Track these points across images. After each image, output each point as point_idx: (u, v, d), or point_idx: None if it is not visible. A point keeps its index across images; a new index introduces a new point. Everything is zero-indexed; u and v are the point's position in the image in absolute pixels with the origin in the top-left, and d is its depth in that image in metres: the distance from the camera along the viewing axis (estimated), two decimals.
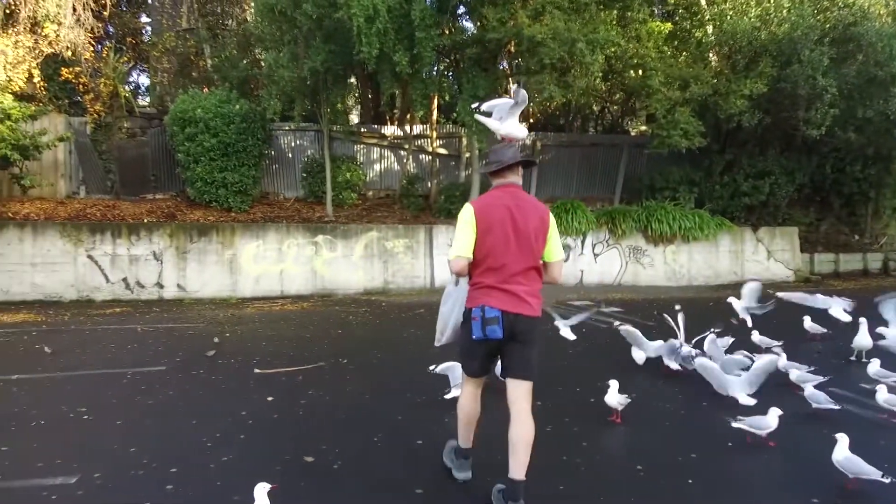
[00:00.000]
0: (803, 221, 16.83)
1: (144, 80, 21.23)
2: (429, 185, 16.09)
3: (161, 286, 11.85)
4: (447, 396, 4.95)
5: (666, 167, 16.24)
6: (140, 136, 15.29)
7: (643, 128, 20.17)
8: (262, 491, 2.98)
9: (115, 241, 11.67)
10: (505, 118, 3.82)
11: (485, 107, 4.00)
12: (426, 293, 12.88)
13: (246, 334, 8.37)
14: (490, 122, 3.93)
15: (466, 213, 3.49)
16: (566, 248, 14.06)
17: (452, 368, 5.03)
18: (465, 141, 16.37)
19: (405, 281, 13.17)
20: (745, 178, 15.73)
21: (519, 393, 3.44)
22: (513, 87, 4.02)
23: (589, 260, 14.26)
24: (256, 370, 6.23)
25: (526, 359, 3.45)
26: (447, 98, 16.61)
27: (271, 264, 12.38)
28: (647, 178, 16.25)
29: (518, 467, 3.34)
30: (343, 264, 12.80)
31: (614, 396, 4.73)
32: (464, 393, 3.73)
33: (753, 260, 15.37)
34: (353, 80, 16.13)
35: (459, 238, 3.48)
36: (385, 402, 5.27)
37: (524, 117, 19.69)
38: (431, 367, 5.26)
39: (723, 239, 15.07)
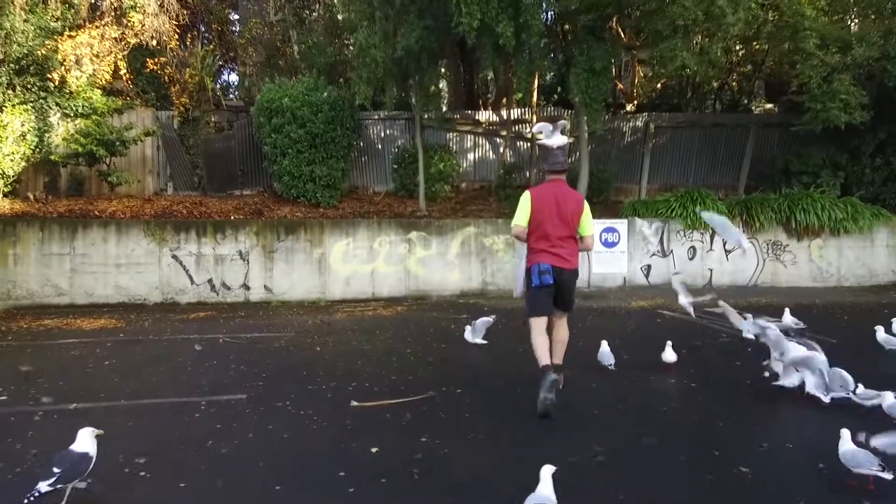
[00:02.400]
0: None
1: (234, 78, 20.93)
2: (527, 174, 14.64)
3: (247, 288, 11.04)
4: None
5: (804, 148, 14.04)
6: (227, 129, 14.66)
7: (768, 105, 17.87)
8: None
9: (199, 240, 10.95)
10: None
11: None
12: None
13: (338, 348, 7.25)
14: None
15: (526, 197, 5.03)
16: (692, 248, 12.31)
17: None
18: (568, 125, 14.79)
19: (506, 282, 11.81)
20: None
21: (561, 318, 5.16)
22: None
23: (719, 257, 12.38)
24: (353, 403, 5.04)
25: (567, 299, 5.09)
26: (549, 77, 15.09)
27: (362, 263, 11.33)
28: (782, 162, 14.09)
29: (558, 357, 5.10)
30: (438, 263, 11.59)
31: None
32: (534, 330, 4.96)
33: None
34: (444, 62, 14.85)
35: (519, 212, 5.00)
36: (528, 464, 3.90)
37: (628, 98, 17.86)
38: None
39: (878, 232, 12.77)
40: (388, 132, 14.67)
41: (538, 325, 4.96)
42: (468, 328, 6.96)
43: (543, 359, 4.82)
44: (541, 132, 5.41)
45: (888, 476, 3.28)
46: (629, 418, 4.72)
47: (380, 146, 14.61)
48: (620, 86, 18.75)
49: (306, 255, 11.18)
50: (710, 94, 17.60)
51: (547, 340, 4.94)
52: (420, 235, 11.54)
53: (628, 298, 11.08)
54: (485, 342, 6.91)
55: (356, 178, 14.36)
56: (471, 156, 14.98)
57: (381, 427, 4.52)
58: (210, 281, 10.95)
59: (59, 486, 3.19)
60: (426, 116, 14.28)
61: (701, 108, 17.22)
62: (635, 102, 17.75)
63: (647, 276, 12.25)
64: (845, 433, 3.52)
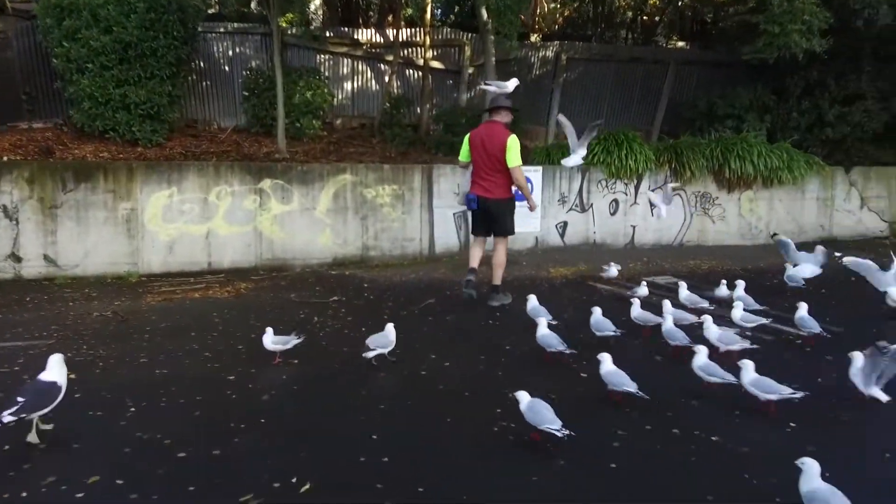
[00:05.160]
0: (881, 161, 13.20)
1: None
2: (418, 110, 11.93)
3: (17, 259, 7.62)
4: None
5: (729, 88, 12.38)
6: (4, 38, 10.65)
7: (680, 43, 16.17)
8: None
9: None
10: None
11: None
12: (424, 264, 8.92)
13: (110, 375, 4.35)
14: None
15: (466, 137, 6.54)
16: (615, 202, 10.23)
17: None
18: (468, 51, 12.16)
19: (393, 245, 9.19)
20: (832, 104, 11.97)
21: (497, 241, 6.49)
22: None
23: (644, 212, 10.42)
24: None
25: (498, 223, 6.41)
26: None
27: (192, 223, 8.21)
28: (706, 104, 12.35)
29: (496, 278, 6.45)
30: (302, 222, 8.72)
31: None
32: (472, 245, 6.69)
33: (844, 210, 11.75)
34: None
35: (461, 150, 6.58)
36: None
37: (530, 29, 15.47)
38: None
39: (810, 183, 11.36)
40: (238, 50, 11.30)
41: (476, 240, 6.62)
42: (269, 330, 4.57)
43: (472, 262, 6.44)
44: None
45: None
46: None
47: (227, 68, 11.24)
48: (521, 17, 16.32)
49: (108, 212, 7.89)
50: (621, 26, 15.58)
51: (480, 252, 6.51)
52: (276, 185, 8.56)
53: (545, 264, 8.85)
54: (299, 340, 4.61)
55: (195, 108, 10.98)
56: (348, 85, 11.98)
57: None
58: None
59: (22, 416, 3.08)
60: (290, 32, 11.13)
61: (614, 42, 15.18)
62: (540, 35, 15.42)
63: (562, 235, 10.08)
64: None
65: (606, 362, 3.86)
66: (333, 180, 8.90)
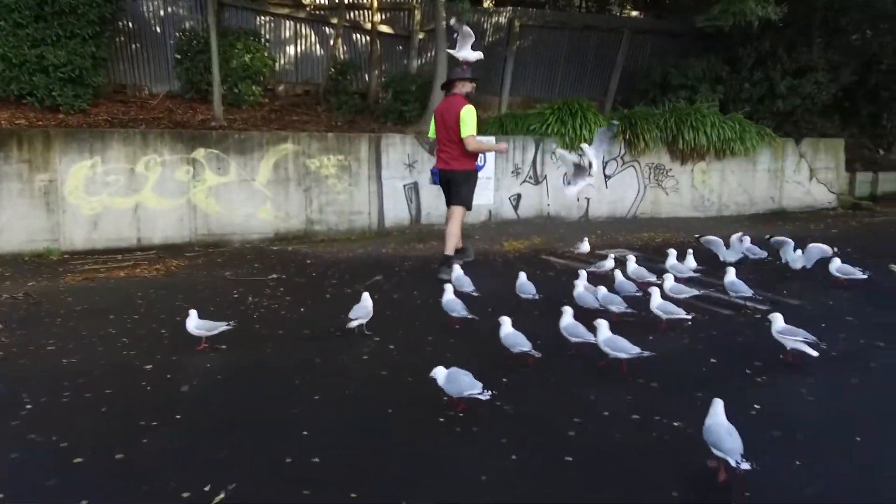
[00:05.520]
0: (828, 133, 13.37)
1: None
2: (366, 77, 11.40)
3: None
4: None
5: (682, 59, 12.25)
6: None
7: (634, 12, 15.96)
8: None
9: None
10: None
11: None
12: (373, 238, 8.51)
13: (11, 361, 3.86)
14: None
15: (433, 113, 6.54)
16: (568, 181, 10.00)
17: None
18: (418, 15, 11.62)
19: (339, 219, 8.74)
20: (783, 76, 11.97)
21: (453, 210, 6.33)
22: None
23: (598, 184, 10.21)
24: None
25: (455, 193, 6.30)
26: None
27: (118, 195, 7.58)
28: (659, 74, 12.17)
29: (448, 248, 6.22)
30: (240, 194, 8.18)
31: None
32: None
33: (794, 181, 11.83)
34: None
35: (430, 126, 6.49)
36: None
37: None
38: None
39: (761, 154, 11.35)
40: (170, 10, 10.48)
41: (448, 211, 6.50)
42: (192, 313, 4.14)
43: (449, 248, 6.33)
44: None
45: None
46: None
47: (158, 29, 10.44)
48: None
49: (24, 184, 7.19)
50: None
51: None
52: (211, 154, 7.98)
53: (498, 238, 8.56)
54: (228, 326, 4.16)
55: (124, 73, 10.18)
56: (291, 49, 11.32)
57: None
58: None
59: None
60: None
61: (568, 9, 14.84)
62: (492, 0, 14.95)
63: (515, 207, 9.81)
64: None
65: (506, 325, 3.85)
66: (273, 150, 8.36)
